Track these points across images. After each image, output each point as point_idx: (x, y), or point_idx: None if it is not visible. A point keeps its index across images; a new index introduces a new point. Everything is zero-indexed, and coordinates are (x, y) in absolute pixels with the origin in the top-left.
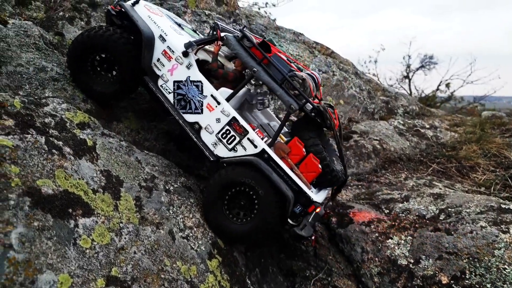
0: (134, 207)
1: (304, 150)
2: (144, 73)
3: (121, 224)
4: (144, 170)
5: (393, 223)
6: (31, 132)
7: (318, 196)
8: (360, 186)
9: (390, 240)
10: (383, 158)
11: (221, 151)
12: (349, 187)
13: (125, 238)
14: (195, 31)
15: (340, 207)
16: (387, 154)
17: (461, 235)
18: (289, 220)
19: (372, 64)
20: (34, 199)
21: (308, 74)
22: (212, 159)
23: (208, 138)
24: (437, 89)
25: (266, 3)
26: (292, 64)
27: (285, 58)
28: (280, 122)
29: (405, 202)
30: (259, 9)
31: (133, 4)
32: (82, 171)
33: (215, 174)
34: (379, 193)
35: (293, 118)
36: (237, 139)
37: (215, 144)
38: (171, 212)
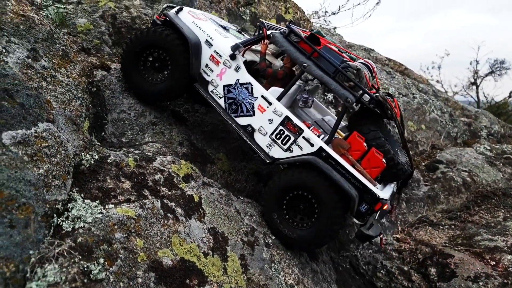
0: (240, 268)
1: (365, 144)
2: (194, 80)
3: None
4: (243, 222)
5: (505, 280)
6: (146, 194)
7: (384, 192)
8: (453, 227)
9: None
10: (475, 192)
11: (276, 152)
12: (441, 227)
13: None
14: (240, 32)
15: (438, 256)
16: (479, 187)
17: None
18: (354, 219)
19: (436, 70)
20: (157, 274)
21: (362, 63)
22: (267, 161)
23: (262, 140)
24: (510, 96)
25: (326, 11)
26: (344, 54)
27: (336, 49)
28: (334, 116)
29: None
30: (329, 26)
31: (177, 12)
32: (193, 233)
33: (272, 179)
34: (479, 238)
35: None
36: (292, 138)
37: (270, 145)
38: (273, 270)
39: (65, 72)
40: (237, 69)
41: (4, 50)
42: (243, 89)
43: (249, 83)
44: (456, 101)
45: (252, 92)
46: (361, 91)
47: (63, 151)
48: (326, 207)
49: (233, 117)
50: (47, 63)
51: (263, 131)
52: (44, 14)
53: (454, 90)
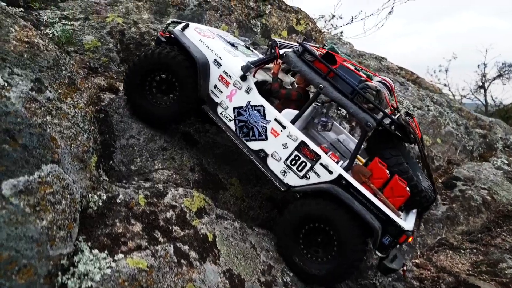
0: None
1: (387, 172)
2: (202, 101)
3: None
4: (260, 259)
5: None
6: (157, 236)
7: (408, 222)
8: (475, 251)
9: None
10: (495, 212)
11: (292, 180)
12: (462, 251)
13: None
14: (248, 48)
15: (462, 286)
16: (499, 207)
17: None
18: (377, 252)
19: (443, 73)
20: None
21: (380, 81)
22: (282, 189)
23: (276, 166)
24: None
25: (333, 16)
26: (360, 73)
27: (352, 67)
28: (348, 135)
29: None
30: (339, 32)
31: (183, 29)
32: (208, 279)
33: (286, 209)
34: (504, 265)
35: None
36: (309, 165)
37: (284, 172)
38: None
39: (71, 102)
40: (248, 91)
41: (6, 84)
42: (255, 112)
43: (261, 105)
44: (469, 111)
45: (264, 115)
46: (382, 114)
47: (69, 196)
48: (347, 240)
49: (244, 141)
50: (52, 94)
51: (277, 156)
52: (51, 32)
53: (461, 93)
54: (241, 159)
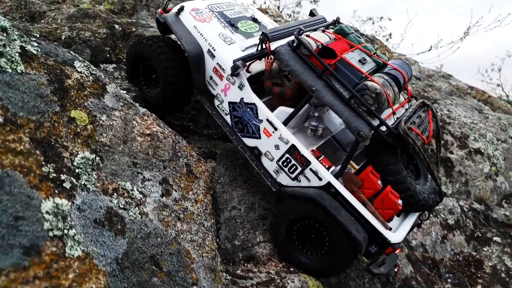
0: None
1: (379, 182)
2: (201, 93)
3: None
4: None
5: None
6: None
7: (398, 234)
8: None
9: None
10: None
11: (284, 179)
12: None
13: None
14: (255, 20)
15: None
16: None
17: None
18: (363, 258)
19: (496, 72)
20: None
21: (388, 74)
22: (274, 189)
23: (269, 165)
24: None
25: (381, 17)
26: (361, 69)
27: (355, 62)
28: None
29: None
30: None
31: (178, 13)
32: None
33: (279, 206)
34: None
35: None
36: (299, 169)
37: (277, 171)
38: None
39: (193, 196)
40: (241, 87)
41: (141, 197)
42: (248, 109)
43: (254, 103)
44: None
45: (257, 113)
46: (378, 122)
47: None
48: (336, 242)
49: (240, 137)
50: (177, 193)
51: (270, 156)
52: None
53: None
54: None
